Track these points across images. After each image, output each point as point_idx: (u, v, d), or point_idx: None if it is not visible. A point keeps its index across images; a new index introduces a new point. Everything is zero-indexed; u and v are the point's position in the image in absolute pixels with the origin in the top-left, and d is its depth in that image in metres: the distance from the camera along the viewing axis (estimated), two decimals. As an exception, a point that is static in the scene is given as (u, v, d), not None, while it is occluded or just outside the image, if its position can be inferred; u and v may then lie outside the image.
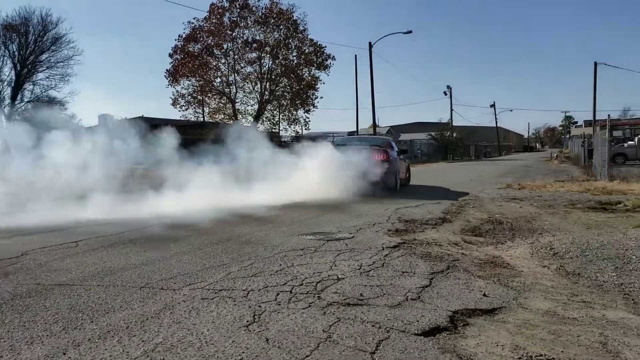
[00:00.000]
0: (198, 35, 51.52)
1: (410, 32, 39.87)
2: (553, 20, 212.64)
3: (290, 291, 4.96)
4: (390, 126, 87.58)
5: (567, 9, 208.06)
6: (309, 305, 4.52)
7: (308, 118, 56.27)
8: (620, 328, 4.09)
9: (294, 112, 55.48)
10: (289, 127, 56.29)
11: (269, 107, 54.56)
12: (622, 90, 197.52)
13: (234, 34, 51.60)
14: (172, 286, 5.19)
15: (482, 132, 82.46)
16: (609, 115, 19.15)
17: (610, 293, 5.10)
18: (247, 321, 4.11)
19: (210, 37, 51.47)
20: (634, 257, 6.32)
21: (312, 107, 55.15)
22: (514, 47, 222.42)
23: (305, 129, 57.41)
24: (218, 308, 4.46)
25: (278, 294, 4.85)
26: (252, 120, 53.18)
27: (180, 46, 51.55)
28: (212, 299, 4.75)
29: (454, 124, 68.94)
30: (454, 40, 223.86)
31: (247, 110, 54.90)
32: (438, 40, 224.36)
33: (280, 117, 55.28)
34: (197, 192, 11.72)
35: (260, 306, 4.50)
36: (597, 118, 40.09)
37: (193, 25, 50.96)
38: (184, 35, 51.21)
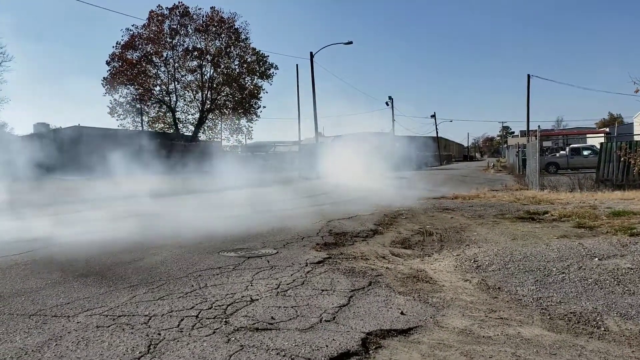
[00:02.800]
0: (137, 43, 50.26)
1: (350, 42, 40.05)
2: (491, 34, 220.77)
3: (197, 316, 4.62)
4: (335, 136, 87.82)
5: (504, 23, 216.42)
6: (214, 332, 4.20)
7: (251, 127, 55.88)
8: (534, 347, 3.97)
9: (237, 121, 54.92)
10: (232, 136, 55.67)
11: (210, 116, 53.77)
12: (556, 101, 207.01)
13: (174, 41, 50.65)
14: (67, 313, 4.75)
15: (423, 142, 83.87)
16: (539, 126, 19.75)
17: (528, 308, 5.02)
18: (139, 353, 3.76)
19: (150, 45, 50.34)
20: (554, 269, 6.32)
21: (254, 116, 54.80)
22: (454, 59, 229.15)
23: (248, 138, 56.97)
24: (112, 337, 4.08)
25: (182, 320, 4.51)
26: (192, 129, 52.25)
27: (118, 54, 50.15)
28: (108, 326, 4.35)
29: (395, 134, 69.93)
30: (395, 52, 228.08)
31: (188, 119, 53.95)
32: (380, 53, 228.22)
33: (223, 126, 54.61)
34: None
35: (159, 334, 4.15)
36: (531, 128, 41.51)
37: (131, 32, 49.74)
38: (122, 43, 49.85)
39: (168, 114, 52.74)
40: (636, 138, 24.92)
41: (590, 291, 5.46)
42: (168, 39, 50.32)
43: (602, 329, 4.42)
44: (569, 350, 3.91)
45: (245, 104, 53.44)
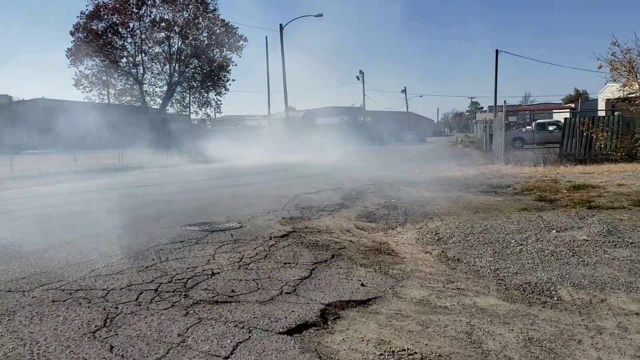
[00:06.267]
0: (102, 13, 48.82)
1: (321, 15, 39.69)
2: (461, 9, 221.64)
3: (156, 290, 4.59)
4: (306, 110, 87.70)
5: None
6: (172, 305, 4.18)
7: (220, 100, 55.15)
8: (488, 316, 4.06)
9: (205, 94, 54.12)
10: (200, 109, 54.84)
11: (178, 89, 52.86)
12: (525, 77, 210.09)
13: (140, 12, 49.37)
14: (22, 287, 4.66)
15: (394, 117, 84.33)
16: (504, 101, 20.00)
17: (485, 279, 5.13)
18: (95, 326, 3.72)
19: (115, 15, 48.97)
20: (512, 240, 6.46)
21: (223, 89, 54.05)
22: (424, 34, 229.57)
23: (217, 111, 56.29)
24: (67, 312, 4.02)
25: (141, 293, 4.47)
26: (160, 102, 51.34)
27: (82, 24, 48.65)
28: (65, 300, 4.29)
29: (366, 108, 70.07)
30: (366, 26, 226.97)
31: (156, 92, 52.94)
32: (351, 26, 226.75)
33: (191, 99, 53.74)
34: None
35: (117, 308, 4.11)
36: (499, 104, 41.88)
37: (96, 2, 48.20)
38: (86, 13, 48.36)
39: (135, 87, 51.67)
40: (600, 114, 25.41)
41: (547, 262, 5.60)
42: (134, 10, 49.04)
43: (555, 298, 4.55)
44: (522, 319, 4.01)
45: (214, 76, 52.65)
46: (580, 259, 5.66)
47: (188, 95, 53.77)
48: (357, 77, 69.45)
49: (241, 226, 7.61)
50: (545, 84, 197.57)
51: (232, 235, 6.97)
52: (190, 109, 53.53)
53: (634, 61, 17.63)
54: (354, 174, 16.47)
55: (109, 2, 48.40)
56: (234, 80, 61.59)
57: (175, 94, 52.77)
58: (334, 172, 17.67)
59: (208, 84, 52.74)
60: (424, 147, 44.55)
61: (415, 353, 3.39)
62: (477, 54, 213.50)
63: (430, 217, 8.50)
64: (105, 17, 48.82)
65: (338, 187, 12.77)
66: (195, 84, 53.11)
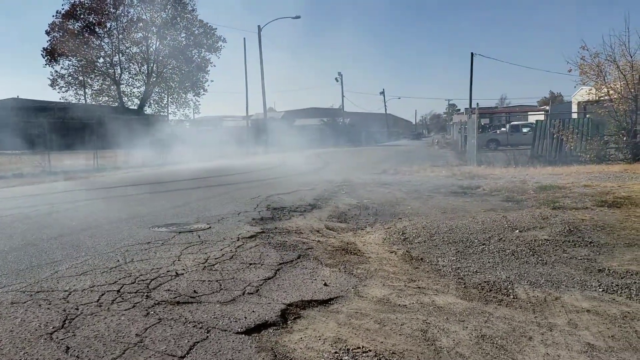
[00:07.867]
0: (78, 12, 48.30)
1: (298, 17, 39.87)
2: (438, 11, 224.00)
3: (118, 291, 4.60)
4: (285, 111, 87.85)
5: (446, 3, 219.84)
6: (133, 306, 4.20)
7: (198, 101, 54.91)
8: (445, 314, 4.16)
9: (184, 95, 53.84)
10: (178, 110, 54.53)
11: (156, 89, 52.47)
12: (501, 80, 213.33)
13: (117, 12, 48.95)
14: (-19, 290, 4.64)
15: (372, 119, 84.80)
16: (477, 103, 20.30)
17: (446, 277, 5.23)
18: (53, 328, 3.72)
19: (92, 15, 48.48)
20: (476, 240, 6.59)
21: (202, 90, 53.84)
22: (402, 37, 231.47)
23: (196, 112, 56.03)
24: (26, 313, 4.02)
25: (103, 295, 4.48)
26: (138, 102, 50.91)
27: (58, 23, 48.08)
28: (24, 302, 4.28)
29: (345, 109, 70.29)
30: (344, 28, 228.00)
31: (134, 92, 52.49)
32: (329, 29, 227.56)
33: (169, 100, 53.38)
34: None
35: (77, 309, 4.11)
36: (473, 106, 42.30)
37: (73, 1, 47.66)
38: (62, 12, 47.81)
39: (112, 87, 51.19)
40: (573, 116, 25.89)
41: (507, 261, 5.73)
42: (111, 9, 48.63)
43: (511, 296, 4.66)
44: (477, 317, 4.11)
45: (193, 77, 52.39)
46: (540, 258, 5.80)
47: (166, 96, 53.44)
48: (336, 79, 69.69)
49: (210, 227, 7.62)
50: (521, 86, 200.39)
51: (199, 236, 6.98)
52: (168, 110, 53.22)
53: (602, 65, 18.03)
54: (329, 174, 16.56)
55: (86, 1, 47.96)
56: (212, 81, 61.36)
57: (153, 95, 52.41)
58: (310, 173, 17.75)
59: (186, 84, 52.48)
60: (401, 148, 44.95)
61: (370, 351, 3.46)
62: (455, 56, 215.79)
63: (399, 218, 8.61)
64: (82, 16, 48.36)
65: (312, 188, 12.84)
66: (173, 85, 52.80)
